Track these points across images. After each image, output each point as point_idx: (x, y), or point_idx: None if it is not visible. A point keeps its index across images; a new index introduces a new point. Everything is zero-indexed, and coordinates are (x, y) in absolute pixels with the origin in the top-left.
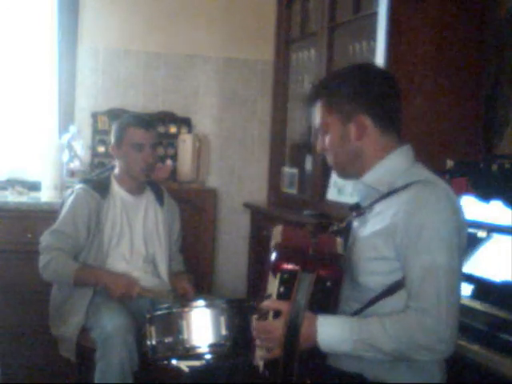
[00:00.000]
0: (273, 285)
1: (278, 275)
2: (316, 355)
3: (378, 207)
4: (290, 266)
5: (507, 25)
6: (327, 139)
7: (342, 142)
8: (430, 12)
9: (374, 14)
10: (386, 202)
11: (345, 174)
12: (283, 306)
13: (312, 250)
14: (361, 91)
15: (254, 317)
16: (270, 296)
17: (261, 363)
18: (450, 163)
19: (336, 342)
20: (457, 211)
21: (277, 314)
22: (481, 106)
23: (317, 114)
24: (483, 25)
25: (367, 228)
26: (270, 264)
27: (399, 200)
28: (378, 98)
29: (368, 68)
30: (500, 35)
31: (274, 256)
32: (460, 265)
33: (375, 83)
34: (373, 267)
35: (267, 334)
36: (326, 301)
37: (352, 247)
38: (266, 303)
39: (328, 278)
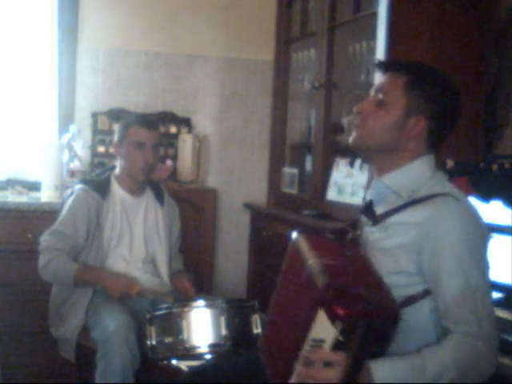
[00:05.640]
0: (325, 327)
1: (339, 323)
2: None
3: (398, 216)
4: (351, 313)
5: (507, 25)
6: (380, 111)
7: (392, 125)
8: (430, 12)
9: (374, 14)
10: (408, 212)
11: (361, 145)
12: (341, 359)
13: (364, 283)
14: (438, 99)
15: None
16: (321, 341)
17: None
18: (450, 163)
19: None
20: (482, 226)
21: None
22: (481, 105)
23: (389, 82)
24: (483, 25)
25: (388, 239)
26: (317, 299)
27: (424, 213)
28: (443, 113)
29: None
30: (500, 35)
31: (324, 292)
32: (489, 279)
33: (446, 98)
34: (393, 281)
35: (315, 381)
36: (380, 344)
37: (370, 257)
38: (321, 355)
39: (387, 323)
